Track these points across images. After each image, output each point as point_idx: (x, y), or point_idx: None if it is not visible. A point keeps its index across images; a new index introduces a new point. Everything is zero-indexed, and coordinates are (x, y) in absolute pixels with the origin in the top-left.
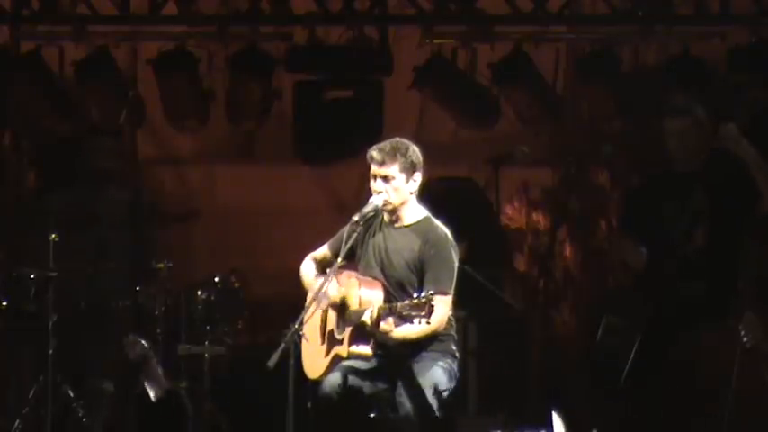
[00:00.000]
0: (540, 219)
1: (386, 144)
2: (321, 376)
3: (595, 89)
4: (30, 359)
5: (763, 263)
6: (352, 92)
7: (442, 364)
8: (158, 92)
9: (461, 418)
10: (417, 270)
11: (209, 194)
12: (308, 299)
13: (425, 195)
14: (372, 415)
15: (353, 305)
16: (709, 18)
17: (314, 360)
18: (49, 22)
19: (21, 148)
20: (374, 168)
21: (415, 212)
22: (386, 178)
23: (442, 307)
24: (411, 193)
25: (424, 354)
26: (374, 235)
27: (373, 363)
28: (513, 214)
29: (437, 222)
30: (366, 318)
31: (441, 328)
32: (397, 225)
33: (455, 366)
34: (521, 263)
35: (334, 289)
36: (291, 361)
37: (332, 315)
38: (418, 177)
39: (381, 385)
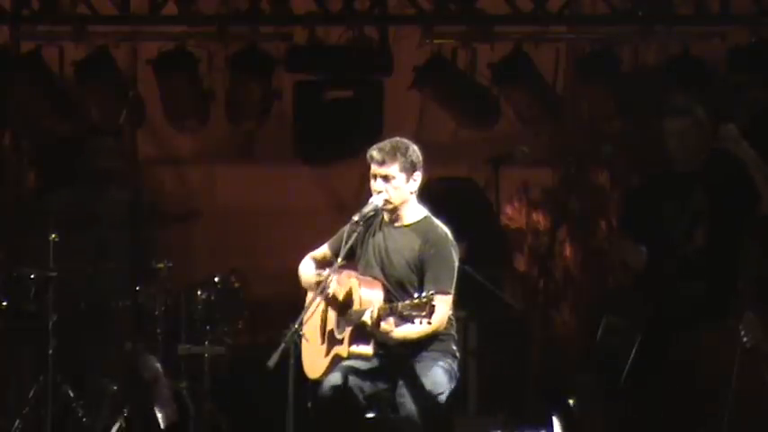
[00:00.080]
0: (540, 219)
1: (386, 143)
2: (321, 376)
3: (595, 89)
4: (30, 359)
5: (763, 263)
6: (352, 92)
7: (442, 364)
8: (158, 92)
9: (461, 418)
10: (417, 269)
11: (209, 194)
12: (308, 299)
13: (425, 195)
14: (372, 415)
15: (354, 305)
16: (709, 18)
17: (314, 360)
18: (49, 22)
19: (21, 148)
20: (374, 168)
21: (415, 212)
22: (386, 178)
23: (443, 307)
24: (411, 193)
25: (424, 354)
26: (374, 234)
27: (374, 363)
28: (513, 214)
29: (437, 222)
30: (366, 318)
31: (441, 328)
32: (397, 224)
33: (455, 366)
34: (521, 263)
35: (335, 284)
36: (291, 361)
37: (332, 315)
38: (418, 177)
39: (381, 385)
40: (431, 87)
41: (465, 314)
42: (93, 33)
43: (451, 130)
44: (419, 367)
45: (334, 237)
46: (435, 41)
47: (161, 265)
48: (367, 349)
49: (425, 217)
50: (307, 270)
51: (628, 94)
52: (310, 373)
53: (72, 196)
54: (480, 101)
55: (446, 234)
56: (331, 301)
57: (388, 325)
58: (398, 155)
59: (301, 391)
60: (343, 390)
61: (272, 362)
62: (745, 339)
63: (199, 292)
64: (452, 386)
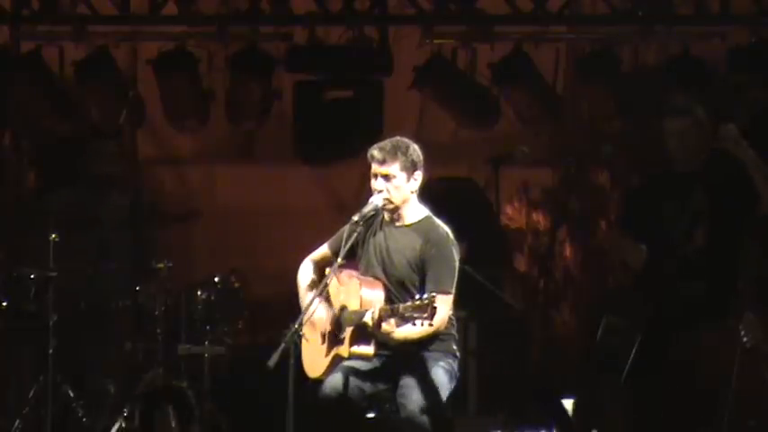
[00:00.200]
0: (540, 219)
1: (387, 143)
2: (322, 376)
3: (595, 89)
4: (30, 359)
5: (763, 263)
6: (352, 92)
7: (442, 364)
8: (158, 92)
9: (461, 418)
10: (419, 269)
11: (209, 194)
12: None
13: (425, 195)
14: (373, 415)
15: (355, 305)
16: (709, 18)
17: (314, 360)
18: (49, 22)
19: (21, 148)
20: (375, 167)
21: (415, 211)
22: (387, 177)
23: (444, 306)
24: (412, 192)
25: (425, 354)
26: (375, 234)
27: (374, 363)
28: (513, 214)
29: (438, 221)
30: (367, 318)
31: (442, 328)
32: (398, 224)
33: (456, 366)
34: (521, 263)
35: (323, 312)
36: (291, 361)
37: (333, 315)
38: (419, 176)
39: (382, 385)
40: (431, 87)
41: (465, 314)
42: (93, 33)
43: (451, 130)
44: (420, 367)
45: (334, 237)
46: (435, 41)
47: (161, 265)
48: (368, 349)
49: (426, 216)
50: (303, 278)
51: (628, 94)
52: (311, 373)
53: (72, 197)
54: (480, 101)
55: (447, 234)
56: (332, 302)
57: (389, 326)
58: (399, 154)
59: (301, 391)
60: (343, 390)
61: (272, 362)
62: (745, 339)
63: (199, 292)
64: (452, 386)
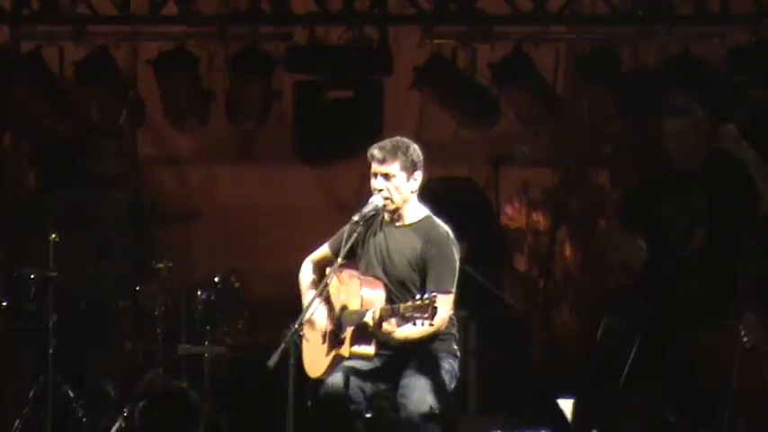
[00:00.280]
0: (540, 219)
1: (387, 142)
2: (322, 376)
3: (595, 89)
4: (30, 359)
5: (763, 263)
6: (352, 92)
7: (443, 363)
8: (158, 92)
9: (461, 418)
10: (419, 269)
11: (209, 194)
12: (308, 299)
13: (425, 195)
14: (373, 415)
15: (355, 305)
16: (709, 18)
17: (315, 359)
18: (49, 22)
19: (21, 148)
20: (375, 166)
21: (416, 211)
22: (387, 176)
23: (445, 306)
24: (412, 192)
25: (425, 353)
26: (375, 234)
27: (375, 363)
28: (513, 214)
29: (438, 221)
30: (368, 318)
31: (443, 328)
32: (398, 224)
33: (456, 366)
34: (521, 263)
35: (322, 316)
36: (291, 361)
37: (333, 314)
38: (419, 176)
39: (382, 386)
40: (431, 87)
41: (465, 314)
42: (93, 33)
43: (451, 130)
44: (420, 367)
45: (335, 236)
46: (435, 41)
47: (161, 265)
48: (369, 349)
49: (426, 216)
50: (305, 277)
51: (628, 94)
52: (311, 373)
53: (72, 197)
54: (480, 101)
55: (447, 233)
56: (332, 302)
57: (389, 326)
58: (399, 153)
59: (301, 391)
60: (344, 390)
61: (272, 362)
62: (745, 339)
63: (199, 292)
64: (453, 386)
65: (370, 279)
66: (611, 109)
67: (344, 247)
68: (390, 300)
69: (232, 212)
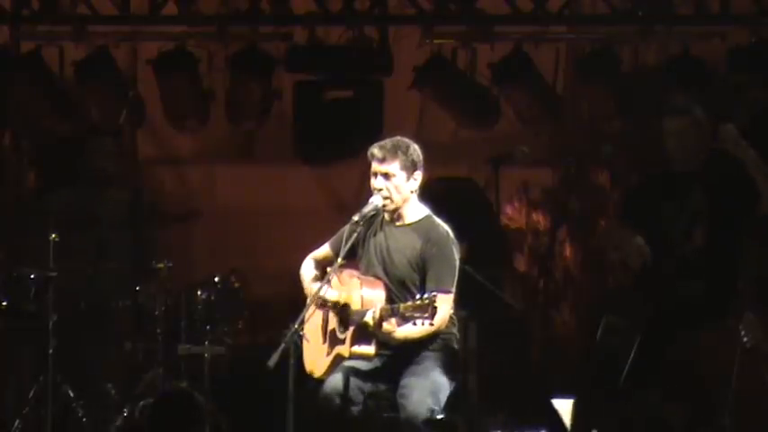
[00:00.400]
0: (540, 219)
1: (387, 142)
2: (323, 376)
3: (595, 89)
4: (30, 359)
5: (763, 263)
6: (352, 92)
7: (443, 363)
8: (158, 92)
9: (461, 419)
10: (419, 268)
11: (209, 194)
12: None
13: (425, 195)
14: (373, 415)
15: (355, 305)
16: (709, 18)
17: (315, 359)
18: (49, 22)
19: (21, 148)
20: (375, 165)
21: (416, 211)
22: (386, 175)
23: (445, 306)
24: (412, 192)
25: (425, 353)
26: (375, 234)
27: (375, 363)
28: (513, 214)
29: (438, 221)
30: (368, 318)
31: (443, 327)
32: (398, 224)
33: (456, 366)
34: (521, 263)
35: (334, 293)
36: (291, 361)
37: (333, 314)
38: (419, 176)
39: (382, 385)
40: (431, 87)
41: (465, 314)
42: (93, 33)
43: (451, 130)
44: (420, 367)
45: (335, 236)
46: (435, 41)
47: (161, 265)
48: (369, 349)
49: (426, 216)
50: (307, 273)
51: (628, 94)
52: (312, 373)
53: (72, 196)
54: (480, 101)
55: (447, 233)
56: (332, 302)
57: (390, 325)
58: (399, 153)
59: (301, 391)
60: (344, 390)
61: (272, 362)
62: (745, 339)
63: (199, 292)
64: (453, 386)
65: (371, 279)
66: (611, 109)
67: (345, 246)
68: (390, 299)
69: (232, 212)
